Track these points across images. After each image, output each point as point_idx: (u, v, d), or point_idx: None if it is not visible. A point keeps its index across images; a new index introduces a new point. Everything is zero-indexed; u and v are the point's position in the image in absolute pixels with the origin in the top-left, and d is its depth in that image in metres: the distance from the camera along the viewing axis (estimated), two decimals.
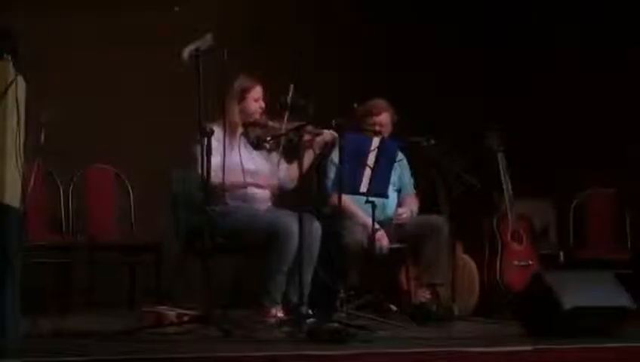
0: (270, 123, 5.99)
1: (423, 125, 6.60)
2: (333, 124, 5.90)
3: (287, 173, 6.14)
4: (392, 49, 8.29)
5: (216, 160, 5.57)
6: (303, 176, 5.81)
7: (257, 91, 6.09)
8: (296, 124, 5.85)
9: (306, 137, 5.89)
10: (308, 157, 6.00)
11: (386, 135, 6.52)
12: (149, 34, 7.62)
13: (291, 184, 6.16)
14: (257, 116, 6.05)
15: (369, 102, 6.62)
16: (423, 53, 8.28)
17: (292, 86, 5.82)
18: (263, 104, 6.09)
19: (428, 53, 8.29)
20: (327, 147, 6.08)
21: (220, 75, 5.71)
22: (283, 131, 5.88)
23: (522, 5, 8.46)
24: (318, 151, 6.05)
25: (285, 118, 5.87)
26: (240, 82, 6.06)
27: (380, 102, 6.64)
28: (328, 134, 5.94)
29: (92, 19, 7.56)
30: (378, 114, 6.60)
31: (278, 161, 6.11)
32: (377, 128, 6.53)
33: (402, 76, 8.03)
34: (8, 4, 6.60)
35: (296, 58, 7.66)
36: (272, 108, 6.05)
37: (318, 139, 5.96)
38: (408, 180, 6.80)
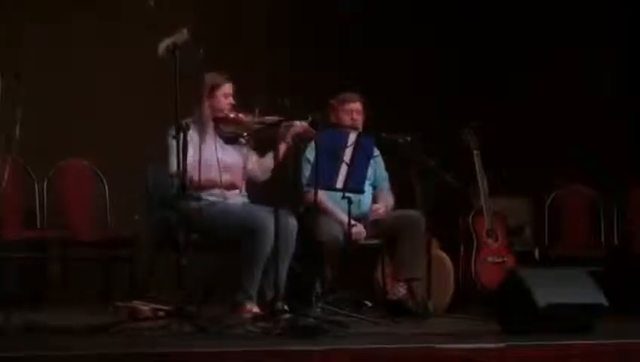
0: (242, 117, 5.99)
1: (399, 122, 6.60)
2: (309, 120, 5.92)
3: (259, 164, 6.14)
4: (371, 47, 8.29)
5: (191, 155, 5.57)
6: (276, 168, 5.81)
7: (227, 88, 6.09)
8: (270, 118, 5.86)
9: (281, 130, 5.91)
10: (282, 149, 6.01)
11: (360, 126, 6.55)
12: (126, 30, 7.60)
13: (264, 176, 6.16)
14: (227, 112, 6.05)
15: (342, 93, 6.66)
16: (401, 51, 8.30)
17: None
18: (232, 100, 6.08)
19: (406, 50, 8.31)
20: (300, 138, 6.08)
21: (196, 71, 5.71)
22: (257, 126, 5.88)
23: (499, 5, 8.48)
24: (290, 143, 6.04)
25: (257, 112, 5.88)
26: (210, 78, 6.06)
27: (354, 94, 6.68)
28: (299, 126, 5.95)
29: (70, 16, 7.53)
30: (353, 101, 6.64)
31: (247, 153, 6.10)
32: (354, 116, 6.57)
33: (380, 73, 8.03)
34: None
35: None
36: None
37: (291, 130, 5.97)
38: (384, 176, 6.80)
